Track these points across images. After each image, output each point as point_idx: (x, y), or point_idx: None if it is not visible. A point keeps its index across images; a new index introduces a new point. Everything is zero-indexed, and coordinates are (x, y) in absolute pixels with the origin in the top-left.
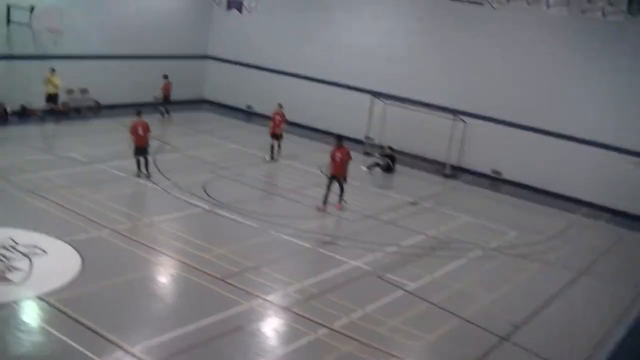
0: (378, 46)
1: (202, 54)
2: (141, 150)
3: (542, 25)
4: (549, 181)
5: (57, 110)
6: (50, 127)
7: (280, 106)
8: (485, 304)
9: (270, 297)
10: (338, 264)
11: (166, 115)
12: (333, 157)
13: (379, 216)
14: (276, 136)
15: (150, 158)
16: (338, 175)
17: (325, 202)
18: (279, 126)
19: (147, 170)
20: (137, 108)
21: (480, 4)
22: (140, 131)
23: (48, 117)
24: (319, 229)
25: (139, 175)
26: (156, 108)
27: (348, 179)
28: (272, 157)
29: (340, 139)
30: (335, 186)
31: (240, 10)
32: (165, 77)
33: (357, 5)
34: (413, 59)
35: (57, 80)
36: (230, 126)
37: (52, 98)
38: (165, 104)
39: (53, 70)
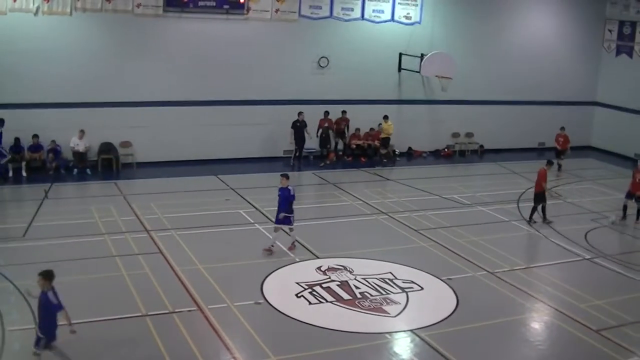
0: None
1: (590, 100)
2: (537, 197)
3: None
4: None
5: (382, 155)
6: (435, 169)
7: None
8: None
9: None
10: None
11: (560, 169)
12: None
13: None
14: (635, 196)
15: (545, 205)
16: None
17: None
18: (639, 186)
19: (543, 214)
20: (549, 158)
21: None
22: (542, 179)
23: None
24: None
25: (529, 222)
26: (541, 154)
27: None
28: (623, 217)
29: None
30: None
31: (630, 55)
32: (562, 129)
33: None
34: None
35: (389, 127)
36: (616, 175)
37: (384, 142)
38: (559, 156)
39: (386, 118)
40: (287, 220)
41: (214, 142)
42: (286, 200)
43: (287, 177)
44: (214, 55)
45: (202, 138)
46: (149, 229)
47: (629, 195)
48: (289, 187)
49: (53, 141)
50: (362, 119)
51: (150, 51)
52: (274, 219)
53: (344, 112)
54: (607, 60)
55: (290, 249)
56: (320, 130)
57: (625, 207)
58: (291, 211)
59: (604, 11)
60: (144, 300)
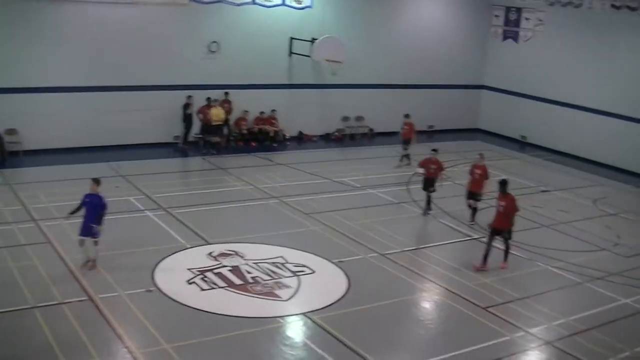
0: None
1: (477, 83)
2: (425, 184)
3: None
4: None
5: (214, 141)
6: (325, 152)
7: (482, 157)
8: None
9: (533, 330)
10: (607, 301)
11: (405, 160)
12: (497, 208)
13: None
14: (474, 196)
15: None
16: (502, 229)
17: (485, 260)
18: (479, 184)
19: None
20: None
21: None
22: (432, 167)
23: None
24: (590, 263)
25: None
26: (430, 136)
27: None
28: (473, 220)
29: (504, 184)
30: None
31: (516, 40)
32: (406, 116)
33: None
34: None
35: (219, 112)
36: (503, 156)
37: (212, 128)
38: (405, 146)
39: (215, 101)
40: (93, 232)
41: (105, 128)
42: (94, 209)
43: (98, 183)
44: (104, 40)
45: (94, 124)
46: (36, 219)
47: (470, 195)
48: (100, 194)
49: None
50: (252, 104)
51: (38, 36)
52: (82, 226)
53: (226, 93)
54: (494, 45)
55: (90, 267)
56: (201, 116)
57: (472, 209)
58: (99, 222)
59: None
60: (32, 292)
